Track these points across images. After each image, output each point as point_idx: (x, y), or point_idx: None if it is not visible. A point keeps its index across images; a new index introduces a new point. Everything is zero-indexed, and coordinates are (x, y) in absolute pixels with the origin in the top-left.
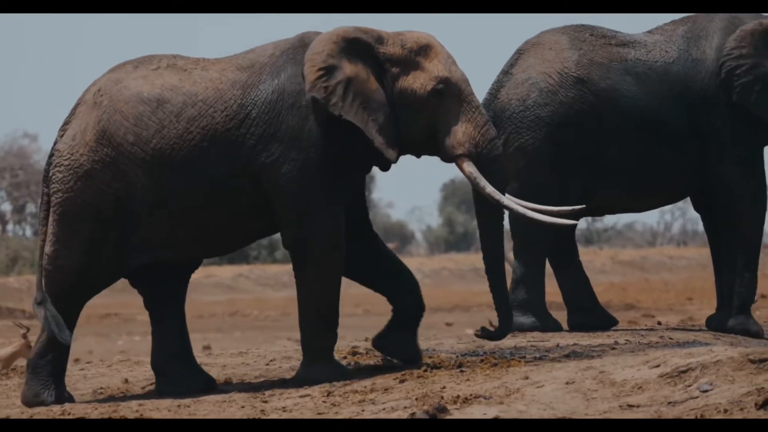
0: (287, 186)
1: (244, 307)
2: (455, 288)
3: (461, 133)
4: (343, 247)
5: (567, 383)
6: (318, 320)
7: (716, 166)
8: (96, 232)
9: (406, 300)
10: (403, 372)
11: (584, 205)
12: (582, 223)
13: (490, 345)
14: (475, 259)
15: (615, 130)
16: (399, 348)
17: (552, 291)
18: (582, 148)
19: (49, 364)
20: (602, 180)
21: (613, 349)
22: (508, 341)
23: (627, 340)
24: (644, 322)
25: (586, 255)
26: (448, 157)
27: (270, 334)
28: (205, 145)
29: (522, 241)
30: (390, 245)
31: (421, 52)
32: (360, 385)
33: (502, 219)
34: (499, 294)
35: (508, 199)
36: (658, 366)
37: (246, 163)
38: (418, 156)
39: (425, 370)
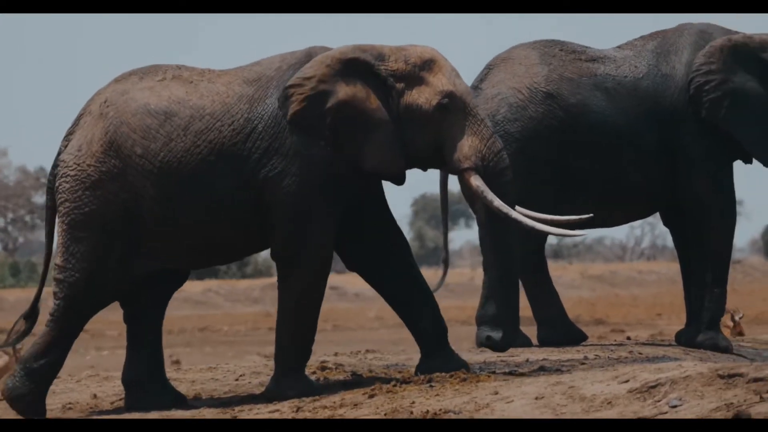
0: (285, 200)
1: (213, 322)
2: None
3: (467, 146)
4: (329, 264)
5: (536, 398)
6: (296, 335)
7: (685, 181)
8: (103, 241)
9: (425, 325)
10: (372, 387)
11: (592, 214)
12: (552, 238)
13: None
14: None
15: (585, 145)
16: (444, 368)
17: (521, 306)
18: (552, 162)
19: (41, 368)
20: (572, 194)
21: (583, 364)
22: (478, 356)
23: (596, 355)
24: (613, 337)
25: (555, 270)
26: (454, 171)
27: (240, 349)
28: (213, 159)
29: (492, 256)
30: None
31: (425, 66)
32: (329, 400)
33: (511, 232)
34: (510, 306)
35: (516, 213)
36: (627, 381)
37: (251, 176)
38: (425, 169)
39: (394, 385)
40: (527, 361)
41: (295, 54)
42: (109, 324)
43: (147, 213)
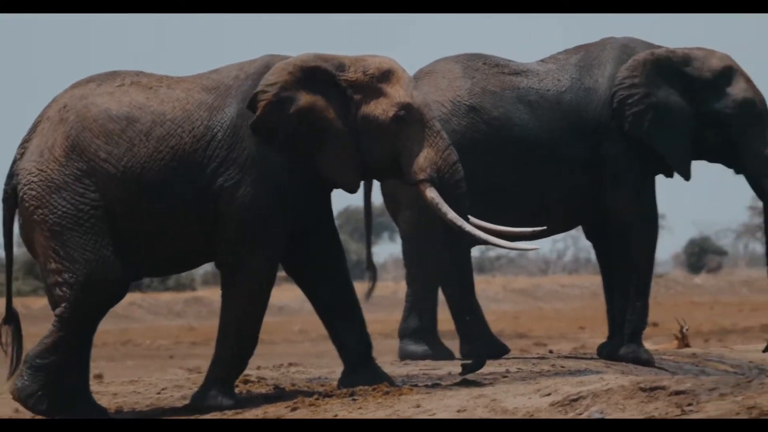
0: (239, 209)
1: (136, 335)
2: None
3: (423, 158)
4: (274, 275)
5: (458, 411)
6: (235, 345)
7: (608, 194)
8: (88, 238)
9: (350, 340)
10: (295, 400)
11: (545, 227)
12: (475, 251)
13: None
14: (383, 286)
15: (508, 158)
16: (367, 381)
17: (444, 319)
18: (475, 175)
19: (49, 366)
20: (496, 208)
21: (505, 377)
22: (400, 369)
23: (518, 369)
24: (536, 351)
25: (478, 283)
26: (410, 183)
27: (162, 363)
28: (174, 165)
29: (414, 269)
30: (283, 273)
31: (383, 77)
32: (252, 413)
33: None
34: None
35: (470, 225)
36: (549, 394)
37: (208, 184)
38: (381, 181)
39: (317, 399)
40: (449, 374)
41: (253, 63)
42: (30, 336)
43: (118, 213)
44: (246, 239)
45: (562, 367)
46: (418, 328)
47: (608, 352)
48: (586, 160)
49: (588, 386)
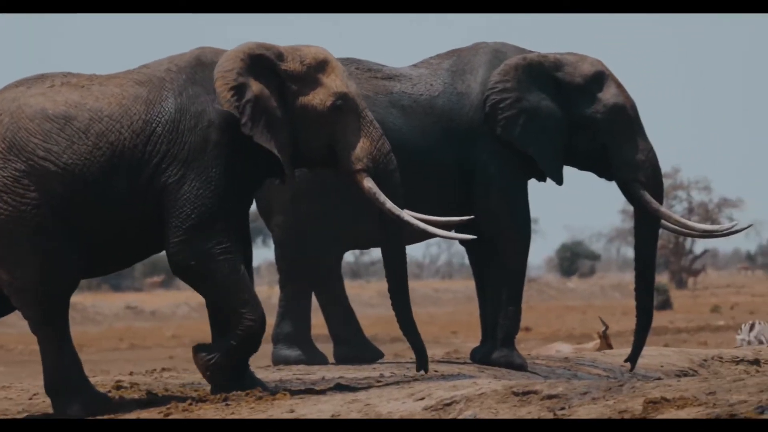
0: (184, 206)
1: (8, 341)
2: None
3: (359, 148)
4: (240, 266)
5: (332, 416)
6: (236, 306)
7: (481, 199)
8: (34, 240)
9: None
10: (168, 406)
11: (473, 216)
12: (349, 257)
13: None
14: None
15: None
16: (240, 386)
17: (318, 324)
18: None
19: (69, 371)
20: (369, 212)
21: (379, 382)
22: (274, 374)
23: (392, 373)
24: (410, 355)
25: (352, 288)
26: (346, 172)
27: (34, 368)
28: (115, 161)
29: (287, 273)
30: (156, 278)
31: (319, 67)
32: (125, 419)
33: (404, 239)
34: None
35: (407, 214)
36: (422, 399)
37: (150, 180)
38: (311, 170)
39: (190, 404)
40: (323, 378)
41: (183, 56)
42: None
43: (59, 210)
44: (199, 241)
45: (436, 371)
46: (291, 332)
47: (481, 357)
48: (460, 165)
49: (461, 390)
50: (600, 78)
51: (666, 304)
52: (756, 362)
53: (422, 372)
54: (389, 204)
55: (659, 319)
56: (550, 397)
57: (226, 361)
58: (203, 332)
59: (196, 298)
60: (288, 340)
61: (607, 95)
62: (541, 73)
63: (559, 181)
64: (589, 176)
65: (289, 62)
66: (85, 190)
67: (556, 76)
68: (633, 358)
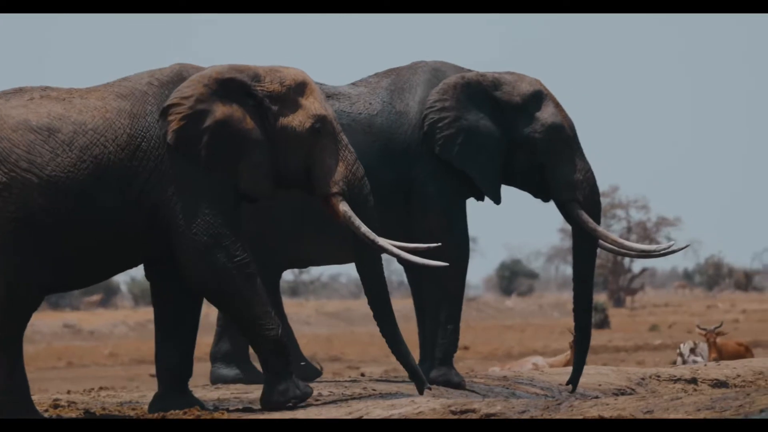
0: (188, 226)
1: None
2: None
3: (335, 171)
4: (256, 278)
5: None
6: (255, 319)
7: (420, 218)
8: (6, 254)
9: (172, 361)
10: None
11: (440, 243)
12: (288, 275)
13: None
14: None
15: None
16: (178, 405)
17: None
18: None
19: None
20: (307, 232)
21: (317, 400)
22: (212, 393)
23: (330, 392)
24: (348, 374)
25: (291, 307)
26: (322, 195)
27: None
28: (99, 174)
29: None
30: (94, 297)
31: (299, 89)
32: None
33: (380, 263)
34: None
35: (383, 240)
36: (360, 417)
37: (139, 195)
38: (288, 190)
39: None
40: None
41: (164, 71)
42: None
43: (38, 223)
44: (209, 261)
45: (374, 390)
46: (229, 351)
47: None
48: (398, 184)
49: (399, 409)
50: (538, 97)
51: (604, 323)
52: (693, 381)
53: (422, 393)
54: (364, 228)
55: (597, 337)
56: (488, 415)
57: (280, 380)
58: (141, 351)
59: (134, 317)
60: (226, 359)
61: (545, 115)
62: (479, 92)
63: (497, 200)
64: (528, 195)
65: (267, 83)
66: (67, 203)
67: (494, 96)
68: (574, 380)
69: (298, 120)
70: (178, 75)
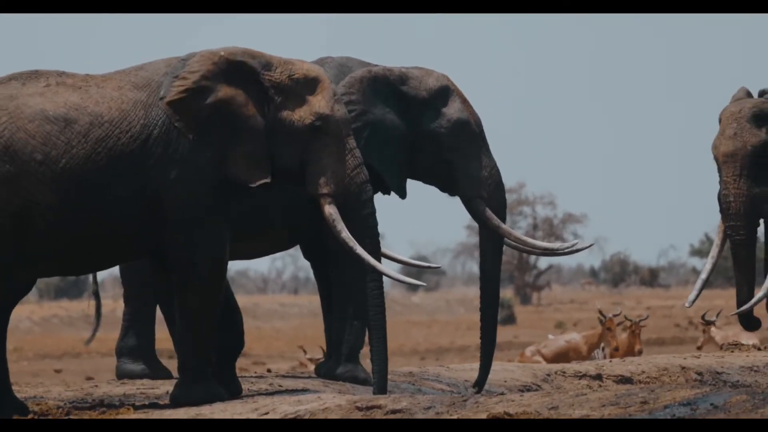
0: (177, 207)
1: None
2: (65, 335)
3: (330, 172)
4: (225, 269)
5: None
6: (195, 341)
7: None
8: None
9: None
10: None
11: (440, 266)
12: None
13: (99, 392)
14: (84, 306)
15: None
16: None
17: (162, 338)
18: None
19: None
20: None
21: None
22: (117, 388)
23: None
24: (254, 369)
25: None
26: (312, 194)
27: None
28: (113, 165)
29: (132, 287)
30: None
31: (308, 85)
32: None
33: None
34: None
35: (361, 249)
36: (267, 413)
37: (146, 183)
38: (283, 184)
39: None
40: (167, 393)
41: (180, 60)
42: None
43: (39, 218)
44: (189, 238)
45: (281, 386)
46: (135, 346)
47: (326, 372)
48: None
49: (305, 405)
50: (445, 93)
51: (510, 319)
52: (598, 377)
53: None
54: (345, 234)
55: (503, 333)
56: (394, 411)
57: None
58: (46, 346)
59: (39, 313)
60: (132, 354)
61: (452, 110)
62: (386, 86)
63: (403, 194)
64: (434, 190)
65: (276, 74)
66: (81, 195)
67: (401, 90)
68: (481, 381)
69: (298, 114)
70: None
